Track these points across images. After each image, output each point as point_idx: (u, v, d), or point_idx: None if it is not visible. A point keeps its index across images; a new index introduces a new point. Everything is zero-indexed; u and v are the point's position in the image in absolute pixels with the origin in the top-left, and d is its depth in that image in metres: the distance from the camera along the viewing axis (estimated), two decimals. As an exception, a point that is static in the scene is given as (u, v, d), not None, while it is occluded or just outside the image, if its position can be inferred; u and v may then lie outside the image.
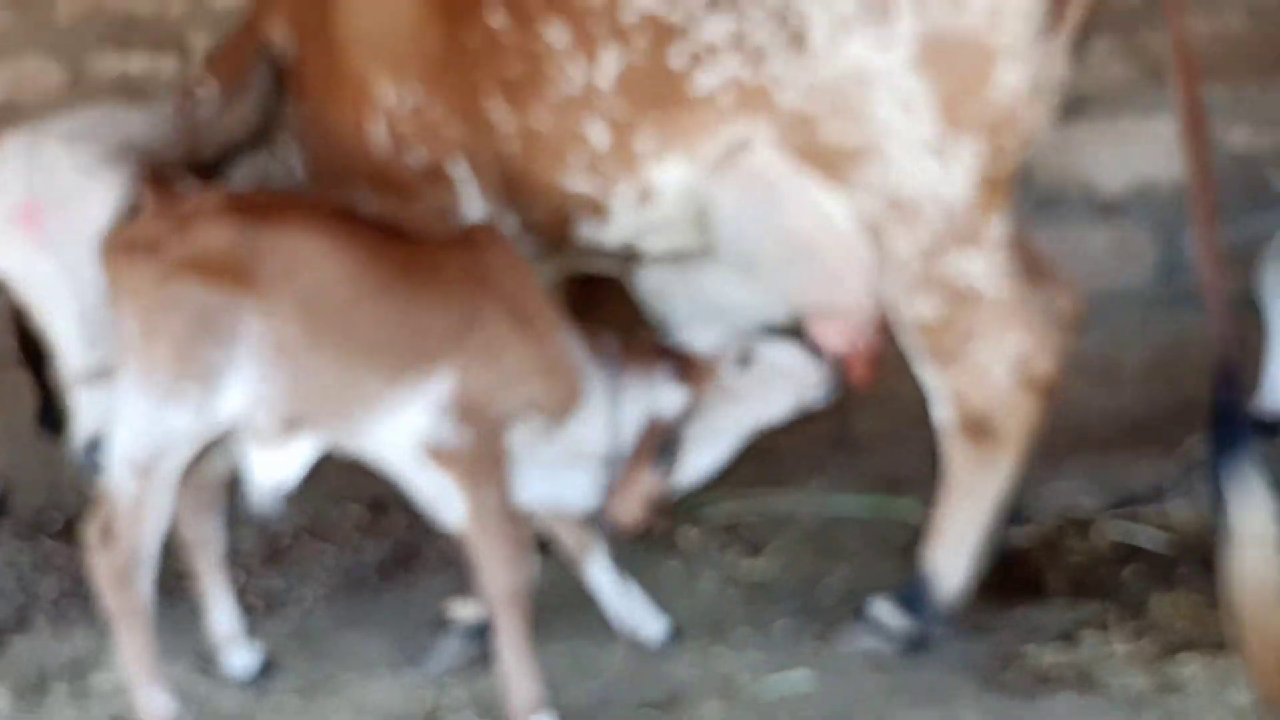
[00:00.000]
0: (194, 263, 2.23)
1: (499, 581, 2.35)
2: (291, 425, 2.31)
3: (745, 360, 2.49)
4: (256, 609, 3.10)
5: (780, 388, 2.52)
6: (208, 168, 2.70)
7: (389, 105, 2.62)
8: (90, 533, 2.34)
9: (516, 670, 2.38)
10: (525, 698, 2.38)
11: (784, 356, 2.52)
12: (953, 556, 2.61)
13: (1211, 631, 2.59)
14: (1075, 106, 2.88)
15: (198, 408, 2.24)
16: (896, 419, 3.68)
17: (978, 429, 2.50)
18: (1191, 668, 2.48)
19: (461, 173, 2.63)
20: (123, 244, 2.30)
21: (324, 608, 3.12)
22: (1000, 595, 2.86)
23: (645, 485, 2.41)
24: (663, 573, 3.13)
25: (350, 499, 3.75)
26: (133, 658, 2.36)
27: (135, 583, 2.31)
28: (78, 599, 3.26)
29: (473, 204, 2.66)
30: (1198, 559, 2.90)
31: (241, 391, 2.27)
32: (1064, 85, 2.44)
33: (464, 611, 2.75)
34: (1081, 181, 3.56)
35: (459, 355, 2.29)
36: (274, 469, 2.37)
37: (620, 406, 2.41)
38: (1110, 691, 2.44)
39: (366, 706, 2.59)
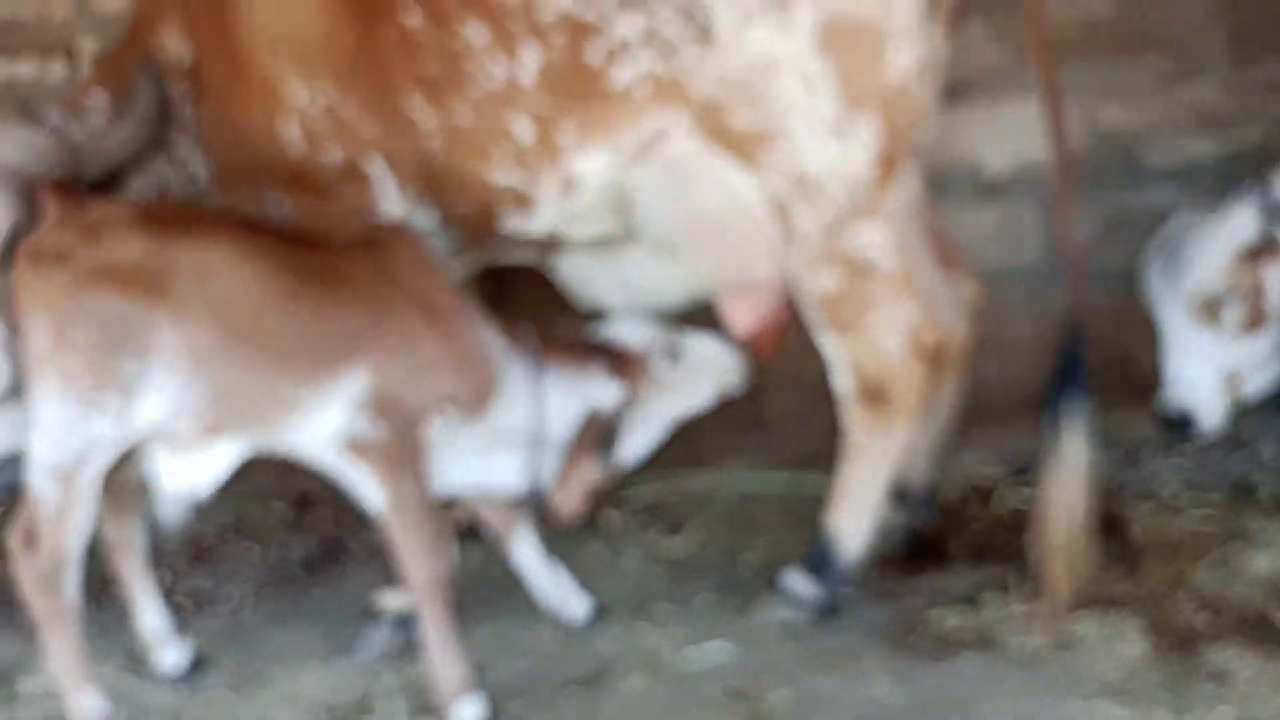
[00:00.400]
0: (106, 272, 2.24)
1: (421, 569, 2.42)
2: (211, 431, 2.35)
3: (673, 354, 2.61)
4: (185, 608, 3.10)
5: (704, 378, 2.66)
6: (102, 179, 2.66)
7: (300, 105, 2.63)
8: (13, 540, 2.35)
9: (442, 655, 2.45)
10: (453, 681, 2.45)
11: (707, 349, 2.65)
12: (854, 520, 2.74)
13: (1104, 591, 2.77)
14: (958, 90, 3.00)
15: (117, 416, 2.27)
16: (807, 398, 3.82)
17: (873, 396, 2.63)
18: (1085, 624, 2.64)
19: (377, 170, 2.66)
20: (30, 255, 2.29)
21: (252, 604, 3.14)
22: (906, 563, 3.01)
23: (586, 476, 2.51)
24: (586, 553, 3.21)
25: (275, 497, 3.76)
26: (63, 661, 2.38)
27: (61, 587, 2.33)
28: (1, 606, 3.26)
29: (389, 201, 2.69)
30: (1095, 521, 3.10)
31: (159, 399, 2.29)
32: (944, 65, 2.59)
33: (392, 601, 2.80)
34: (967, 163, 3.71)
35: (370, 353, 2.35)
36: (186, 476, 2.41)
37: (545, 390, 2.50)
38: (1009, 651, 2.59)
39: (299, 697, 2.64)
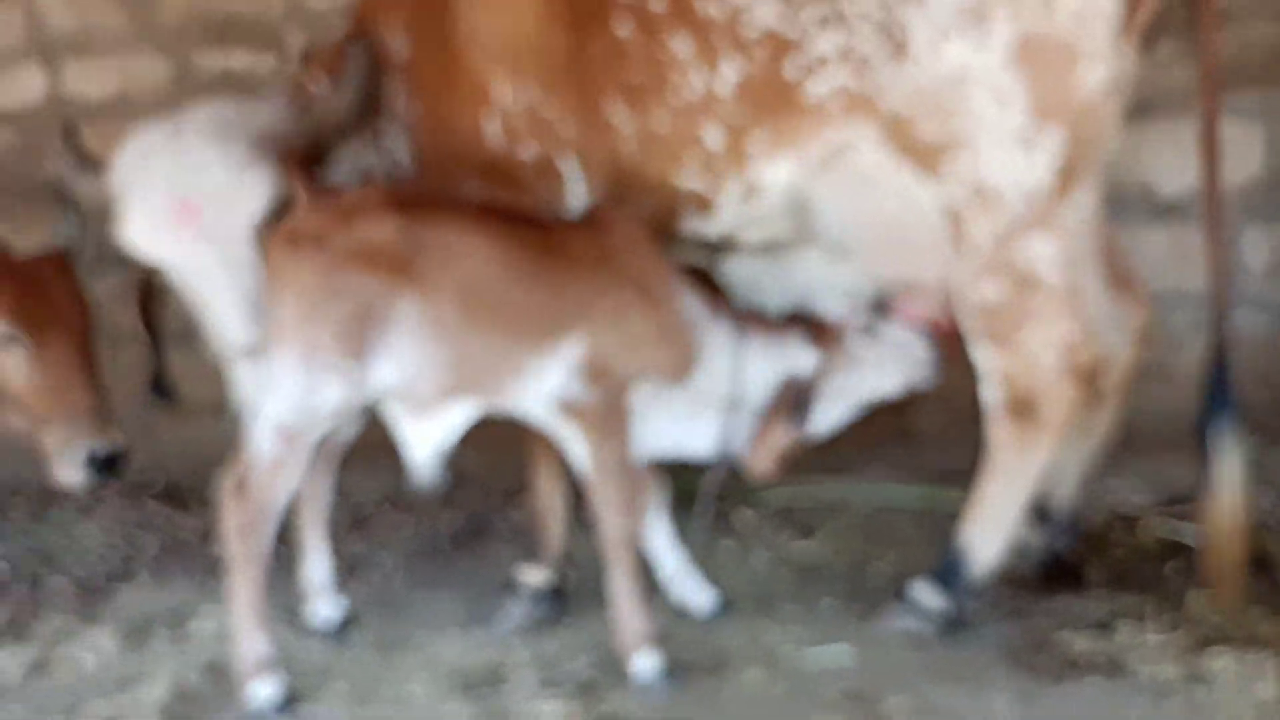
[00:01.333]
0: (359, 254, 2.45)
1: (614, 525, 2.56)
2: (447, 393, 2.54)
3: (870, 331, 2.69)
4: (340, 572, 3.33)
5: (896, 363, 2.73)
6: (317, 153, 2.85)
7: (505, 103, 2.81)
8: (225, 485, 2.55)
9: (627, 607, 2.59)
10: (636, 634, 2.59)
11: (901, 335, 2.73)
12: (987, 533, 2.72)
13: (1245, 627, 2.67)
14: (1140, 109, 2.94)
15: (354, 384, 2.48)
16: (953, 415, 3.78)
17: (1022, 411, 2.61)
18: (1222, 661, 2.55)
19: (570, 168, 2.82)
20: (288, 237, 2.51)
21: (401, 573, 3.34)
22: (1041, 585, 2.96)
23: (780, 439, 2.60)
24: (717, 550, 3.29)
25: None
26: (244, 603, 2.56)
27: (261, 534, 2.52)
28: (176, 555, 3.56)
29: (578, 198, 2.85)
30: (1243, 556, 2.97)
31: (394, 367, 2.49)
32: (1133, 83, 2.57)
33: (531, 576, 2.95)
34: (1142, 184, 3.60)
35: (587, 324, 2.53)
36: (430, 437, 2.61)
37: (746, 363, 2.62)
38: (1138, 679, 2.52)
39: (437, 662, 2.79)
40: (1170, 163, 3.58)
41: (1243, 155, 3.43)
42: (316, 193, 2.53)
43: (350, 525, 3.66)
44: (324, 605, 2.97)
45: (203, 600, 3.15)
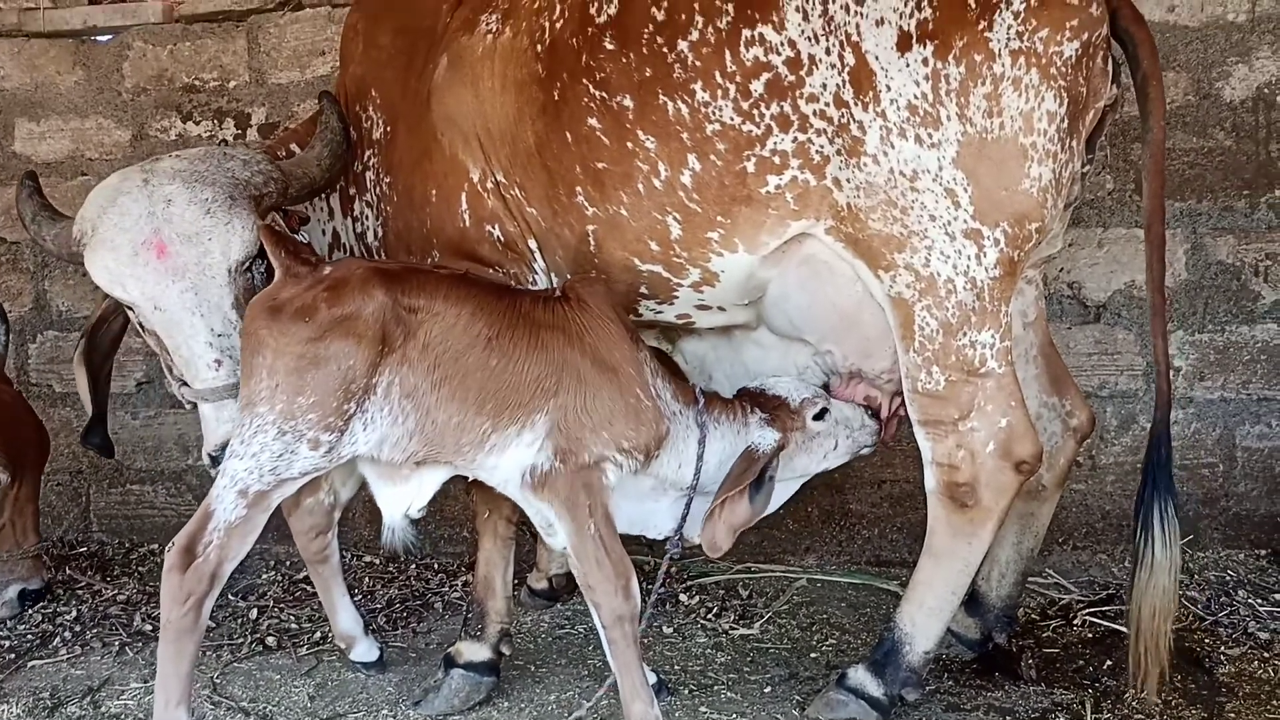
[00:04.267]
0: (344, 325, 2.44)
1: (604, 605, 2.54)
2: (416, 461, 2.54)
3: (822, 412, 2.76)
4: (269, 646, 3.26)
5: (844, 437, 2.80)
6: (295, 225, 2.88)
7: (478, 184, 2.87)
8: (172, 552, 2.46)
9: (631, 692, 2.54)
10: (644, 717, 2.53)
11: (848, 411, 2.81)
12: (925, 620, 2.74)
13: (1184, 721, 2.70)
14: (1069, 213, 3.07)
15: (328, 450, 2.45)
16: (887, 502, 3.84)
17: (962, 498, 2.66)
18: (1162, 760, 2.57)
19: (535, 248, 2.88)
20: (269, 306, 2.48)
21: (335, 649, 3.23)
22: (977, 675, 2.98)
23: (738, 516, 2.61)
24: (657, 632, 3.28)
25: (367, 548, 3.92)
26: (172, 675, 2.47)
27: (201, 604, 2.45)
28: (96, 625, 3.44)
29: (540, 277, 2.90)
30: (1180, 656, 2.99)
31: (368, 435, 2.48)
32: (1078, 181, 2.69)
33: (469, 653, 2.89)
34: (1069, 285, 3.73)
35: (554, 400, 2.53)
36: (401, 501, 2.60)
37: (708, 444, 2.66)
38: (1076, 774, 2.54)
39: (368, 742, 2.73)
40: (1098, 266, 3.71)
41: (1168, 262, 3.57)
42: (296, 262, 2.54)
43: (283, 597, 3.59)
44: (360, 648, 3.08)
45: (120, 674, 3.04)
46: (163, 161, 2.71)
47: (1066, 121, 2.51)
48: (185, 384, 2.63)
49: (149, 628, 3.37)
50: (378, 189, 3.04)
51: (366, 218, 3.10)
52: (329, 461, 2.46)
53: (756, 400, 2.75)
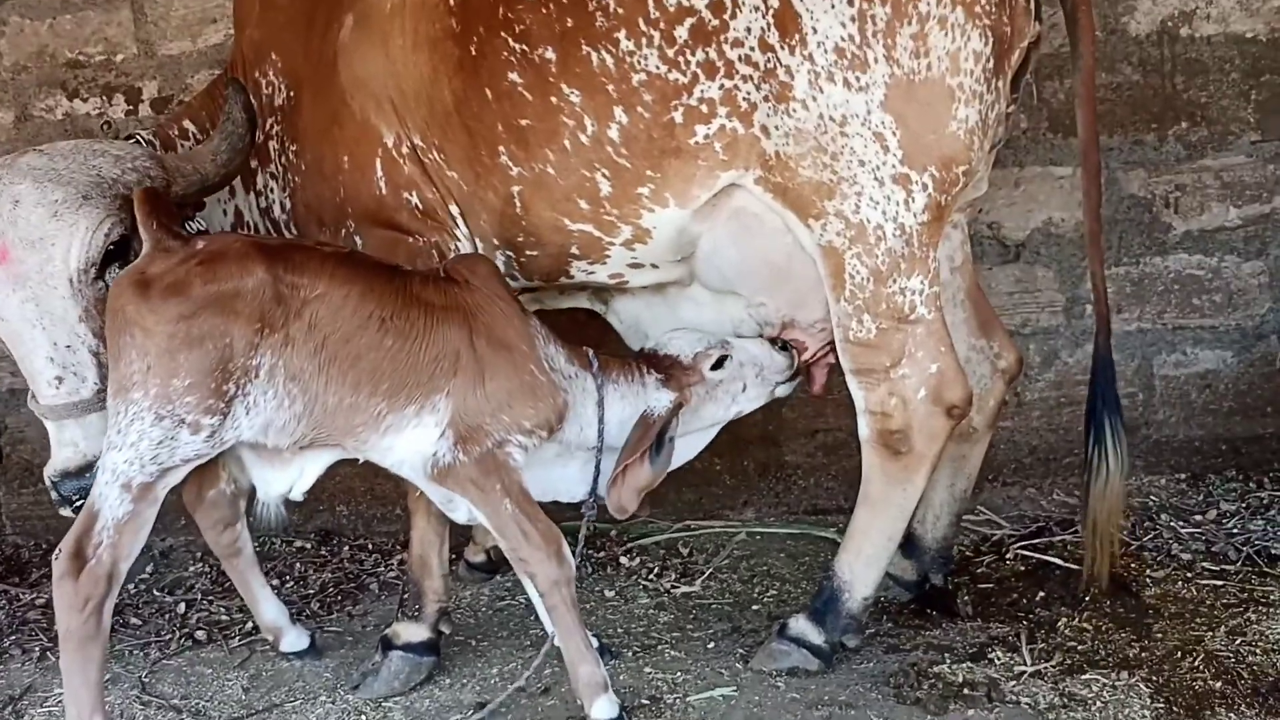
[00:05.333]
0: (220, 302, 2.32)
1: (539, 573, 2.50)
2: (301, 445, 2.45)
3: (720, 362, 2.72)
4: (199, 640, 3.17)
5: (752, 377, 2.75)
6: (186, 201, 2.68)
7: (393, 149, 2.76)
8: (59, 559, 2.35)
9: (576, 656, 2.51)
10: (589, 683, 2.50)
11: (755, 349, 2.76)
12: (863, 567, 2.76)
13: (1115, 652, 2.76)
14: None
15: (210, 434, 2.34)
16: (822, 451, 3.85)
17: (895, 445, 2.66)
18: (1094, 685, 2.62)
19: (456, 213, 2.78)
20: (140, 282, 2.34)
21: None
22: (915, 615, 3.01)
23: (639, 477, 2.57)
24: (599, 594, 3.26)
25: (298, 532, 3.83)
26: (80, 686, 2.36)
27: (101, 608, 2.34)
28: (13, 632, 3.30)
29: (464, 243, 2.81)
30: (1108, 582, 3.06)
31: (253, 418, 2.37)
32: (1004, 122, 2.69)
33: (407, 633, 2.84)
34: (990, 223, 3.76)
35: (454, 381, 2.46)
36: (280, 484, 2.52)
37: (607, 406, 2.62)
38: (1016, 706, 2.56)
39: (306, 730, 2.67)
40: (1015, 205, 3.74)
41: (1080, 198, 3.60)
42: (167, 235, 2.39)
43: (212, 589, 3.50)
44: (289, 637, 2.98)
45: (43, 681, 2.94)
46: (25, 156, 2.52)
47: (992, 61, 2.50)
48: (33, 396, 2.48)
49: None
50: (283, 159, 2.92)
51: (272, 191, 2.97)
52: (212, 447, 2.36)
53: (651, 362, 2.72)
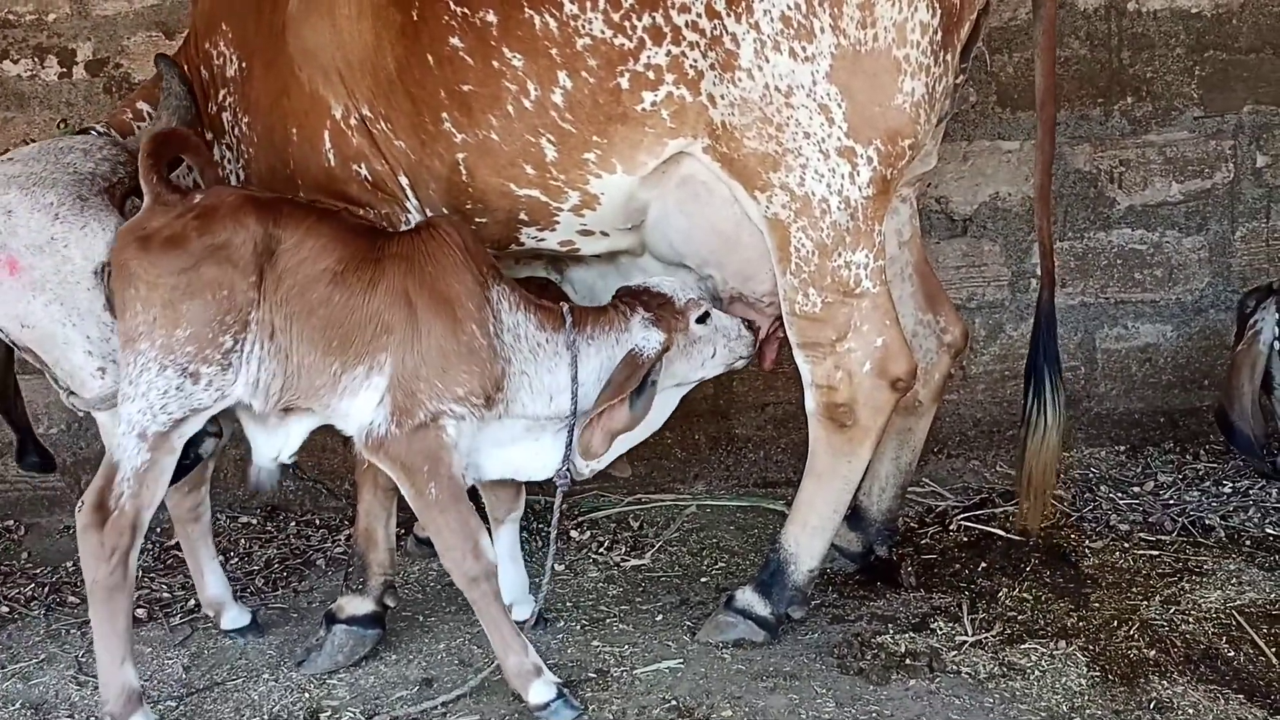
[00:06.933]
0: (217, 254, 2.36)
1: (454, 569, 2.48)
2: (282, 407, 2.46)
3: (705, 316, 2.68)
4: (140, 617, 3.12)
5: (721, 345, 2.72)
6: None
7: (340, 121, 2.72)
8: (83, 512, 2.40)
9: (502, 646, 2.49)
10: (518, 671, 2.49)
11: (726, 320, 2.72)
12: (809, 539, 2.78)
13: (1052, 621, 2.81)
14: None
15: (210, 384, 2.38)
16: (771, 424, 3.87)
17: (840, 418, 2.68)
18: (1032, 654, 2.67)
19: (405, 183, 2.75)
20: (142, 236, 2.39)
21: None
22: (859, 586, 3.05)
23: (619, 420, 2.53)
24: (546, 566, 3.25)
25: (244, 508, 3.78)
26: (110, 634, 2.42)
27: (126, 558, 2.39)
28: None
29: (414, 213, 2.78)
30: (1048, 553, 3.13)
31: (246, 373, 2.41)
32: (951, 95, 2.68)
33: (352, 607, 2.81)
34: (939, 198, 3.78)
35: (392, 337, 2.44)
36: (271, 447, 2.53)
37: (581, 364, 2.56)
38: (957, 675, 2.61)
39: (249, 708, 2.64)
40: (963, 180, 3.76)
41: (1027, 173, 3.63)
42: (167, 189, 2.44)
43: (156, 563, 3.45)
44: (230, 614, 2.96)
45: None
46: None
47: (940, 34, 2.49)
48: (73, 393, 2.53)
49: (4, 609, 3.20)
50: (236, 130, 2.88)
51: (227, 161, 2.93)
52: (215, 398, 2.40)
53: (640, 298, 2.64)
